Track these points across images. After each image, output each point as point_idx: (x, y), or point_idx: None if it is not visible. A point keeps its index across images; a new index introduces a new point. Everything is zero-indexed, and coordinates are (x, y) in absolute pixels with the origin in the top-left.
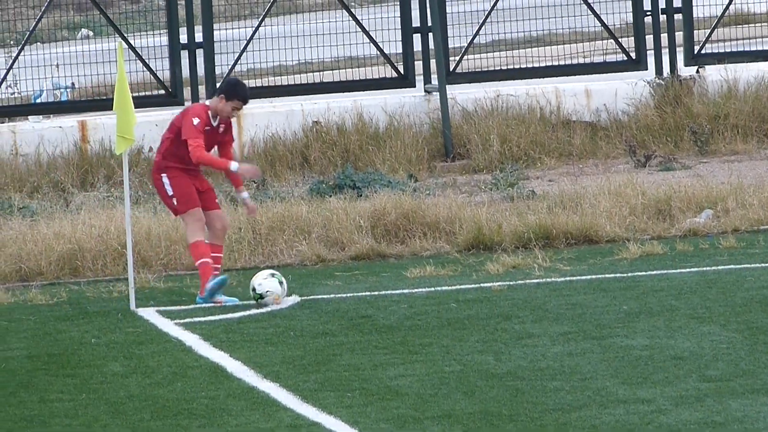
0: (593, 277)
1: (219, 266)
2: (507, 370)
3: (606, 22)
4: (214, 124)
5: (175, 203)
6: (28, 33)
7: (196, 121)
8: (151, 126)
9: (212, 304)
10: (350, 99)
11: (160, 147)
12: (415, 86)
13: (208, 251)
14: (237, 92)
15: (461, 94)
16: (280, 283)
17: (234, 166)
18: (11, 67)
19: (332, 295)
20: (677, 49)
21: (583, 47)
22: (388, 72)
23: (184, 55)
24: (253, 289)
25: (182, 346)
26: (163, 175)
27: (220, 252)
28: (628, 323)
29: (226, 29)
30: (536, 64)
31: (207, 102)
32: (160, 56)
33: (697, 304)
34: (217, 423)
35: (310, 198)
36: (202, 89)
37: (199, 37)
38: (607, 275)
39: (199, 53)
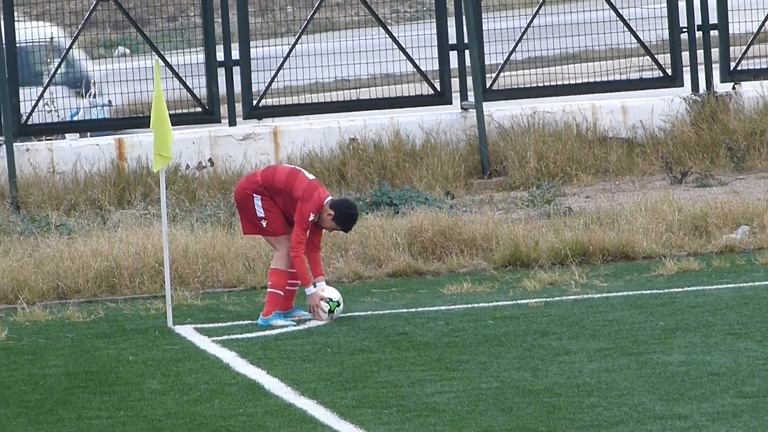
0: (630, 293)
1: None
2: (544, 386)
3: (642, 38)
4: (313, 218)
5: (265, 225)
6: (64, 51)
7: (311, 217)
8: (188, 143)
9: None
10: (387, 116)
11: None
12: (451, 103)
13: (285, 284)
14: (346, 223)
15: (498, 111)
16: (330, 312)
17: (310, 291)
18: (48, 84)
19: (369, 312)
20: (713, 65)
21: (619, 64)
22: (425, 89)
23: (221, 72)
24: (330, 300)
25: (219, 364)
26: (256, 195)
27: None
28: (664, 339)
29: (262, 46)
30: (573, 81)
31: (326, 200)
32: (196, 74)
33: (733, 320)
34: None
35: None
36: (238, 106)
37: (235, 54)
38: (643, 291)
39: (236, 71)
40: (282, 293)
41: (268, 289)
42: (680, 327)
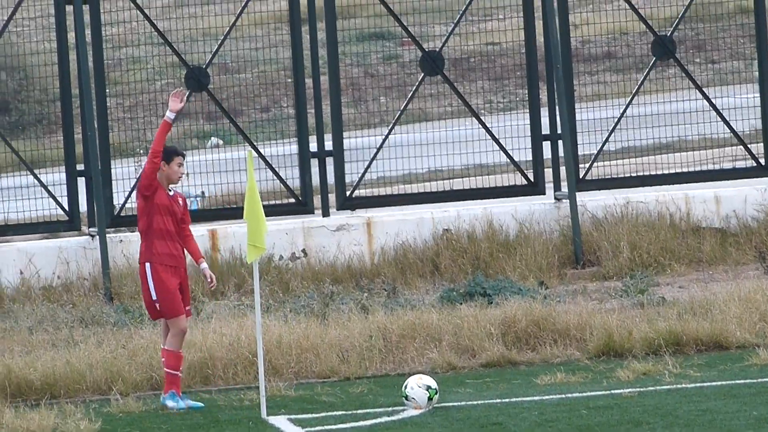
0: (723, 383)
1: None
2: None
3: (735, 128)
4: (171, 193)
5: (158, 307)
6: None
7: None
8: (282, 234)
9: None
10: (480, 206)
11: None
12: (545, 193)
13: (180, 365)
14: (168, 151)
15: (591, 201)
16: (430, 399)
17: (169, 115)
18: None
19: (463, 402)
20: None
21: (712, 153)
22: (518, 179)
23: (314, 163)
24: (405, 387)
25: None
26: (147, 264)
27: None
28: (758, 429)
29: (356, 137)
30: (666, 171)
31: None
32: (290, 164)
33: None
34: None
35: (440, 306)
36: (332, 197)
37: (329, 145)
38: (737, 381)
39: (329, 161)
40: (177, 373)
41: (167, 371)
42: None
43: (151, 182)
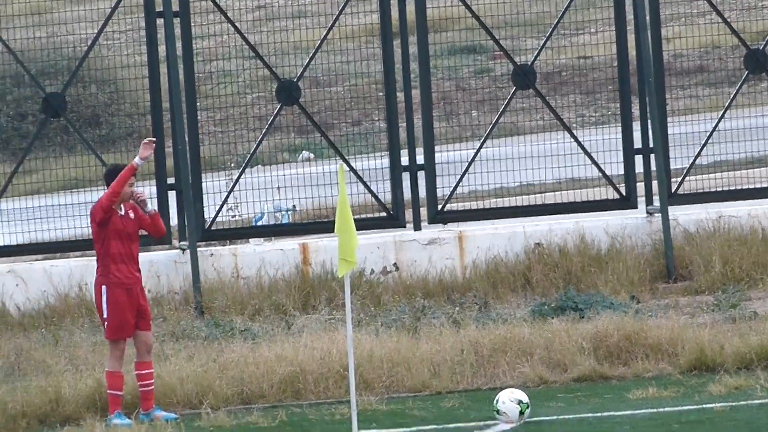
0: None
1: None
2: None
3: None
4: (122, 213)
5: (105, 325)
6: (248, 155)
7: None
8: (373, 248)
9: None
10: (572, 220)
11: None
12: (637, 207)
13: (121, 384)
14: (118, 171)
15: (683, 216)
16: (521, 413)
17: (136, 161)
18: (232, 189)
19: (554, 417)
20: None
21: None
22: (610, 193)
23: (406, 176)
24: (496, 401)
25: None
26: (103, 286)
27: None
28: None
29: (447, 151)
30: (758, 185)
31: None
32: (381, 178)
33: None
34: None
35: (532, 320)
36: (423, 211)
37: (420, 158)
38: None
39: (421, 175)
40: (119, 393)
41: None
42: None
43: (105, 215)
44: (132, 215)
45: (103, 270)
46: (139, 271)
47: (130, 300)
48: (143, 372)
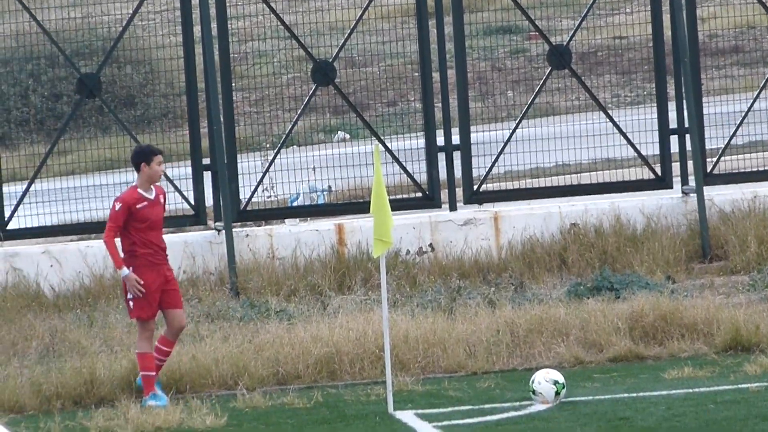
0: None
1: (165, 359)
2: None
3: None
4: (152, 196)
5: (131, 306)
6: (284, 136)
7: (117, 206)
8: (408, 229)
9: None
10: (608, 201)
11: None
12: (672, 188)
13: (153, 364)
14: (147, 152)
15: (718, 196)
16: (557, 394)
17: (124, 272)
18: (267, 170)
19: (590, 397)
20: None
21: None
22: (646, 173)
23: (441, 157)
24: (532, 381)
25: None
26: (131, 267)
27: (171, 347)
28: None
29: (483, 131)
30: None
31: (135, 183)
32: (416, 159)
33: None
34: None
35: (568, 300)
36: (459, 191)
37: (456, 139)
38: None
39: (456, 155)
40: (152, 374)
41: (141, 373)
42: None
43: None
44: (162, 200)
45: (130, 254)
46: (165, 250)
47: (158, 276)
48: (167, 350)
